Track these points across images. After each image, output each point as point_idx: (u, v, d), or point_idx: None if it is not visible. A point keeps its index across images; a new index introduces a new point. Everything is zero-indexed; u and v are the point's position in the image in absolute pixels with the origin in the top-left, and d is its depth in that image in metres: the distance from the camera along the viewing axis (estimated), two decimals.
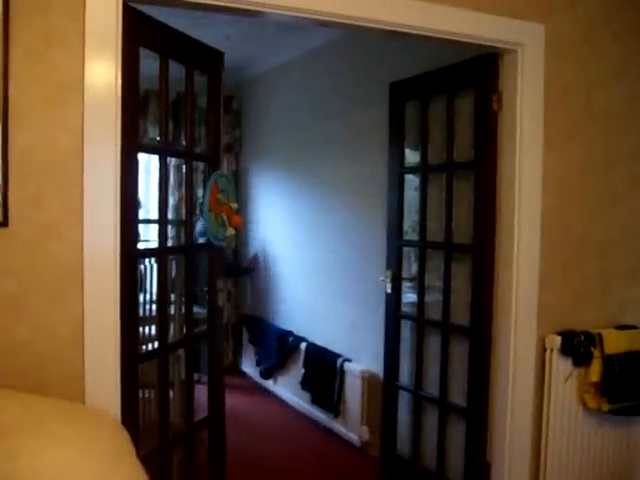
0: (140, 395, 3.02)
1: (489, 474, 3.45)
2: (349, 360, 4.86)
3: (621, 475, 3.62)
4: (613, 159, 3.55)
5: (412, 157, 4.12)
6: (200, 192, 3.17)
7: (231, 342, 6.83)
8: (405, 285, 4.18)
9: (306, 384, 5.29)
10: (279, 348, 5.77)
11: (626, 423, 3.57)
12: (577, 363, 3.37)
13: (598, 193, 3.51)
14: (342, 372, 4.83)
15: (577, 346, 3.34)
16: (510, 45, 3.21)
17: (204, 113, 3.27)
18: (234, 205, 3.23)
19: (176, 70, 2.92)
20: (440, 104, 3.79)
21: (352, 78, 4.92)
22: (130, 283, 2.59)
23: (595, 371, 3.35)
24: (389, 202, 4.16)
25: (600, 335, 3.37)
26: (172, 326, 3.59)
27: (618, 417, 3.50)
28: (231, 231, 3.16)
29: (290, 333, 5.72)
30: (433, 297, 3.94)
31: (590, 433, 3.48)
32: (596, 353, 3.35)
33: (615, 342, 3.40)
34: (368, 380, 4.62)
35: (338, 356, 4.94)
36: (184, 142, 3.21)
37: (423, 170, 3.96)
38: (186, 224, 3.17)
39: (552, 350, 3.34)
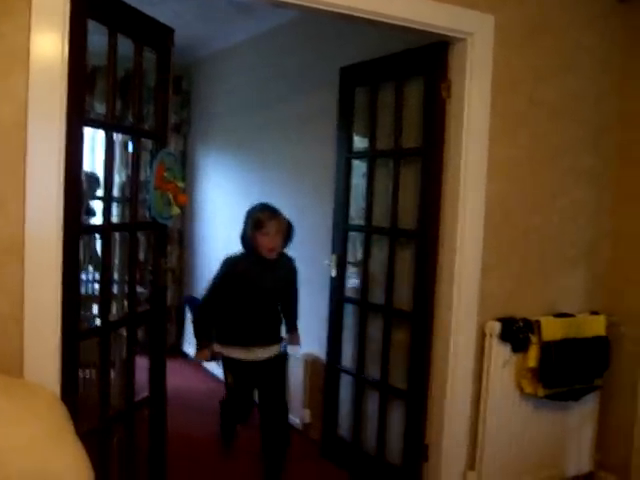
0: (81, 374, 2.98)
1: (427, 456, 3.51)
2: None
3: (554, 456, 3.74)
4: (558, 150, 3.62)
5: (360, 143, 4.13)
6: (147, 170, 3.13)
7: (174, 323, 6.79)
8: (350, 269, 4.20)
9: None
10: None
11: (561, 408, 3.67)
12: (515, 349, 3.45)
13: (542, 183, 3.58)
14: (285, 355, 4.83)
15: (516, 332, 3.41)
16: (460, 34, 3.24)
17: (152, 92, 3.22)
18: (180, 184, 3.20)
19: (125, 48, 2.87)
20: (390, 91, 3.80)
21: (302, 62, 4.91)
22: (72, 259, 2.55)
23: (532, 357, 3.44)
24: (336, 186, 4.18)
25: (538, 322, 3.46)
26: (115, 305, 3.55)
27: (553, 402, 3.60)
28: (176, 210, 3.13)
29: None
30: (377, 282, 3.97)
31: (526, 417, 3.57)
32: (534, 340, 3.44)
33: (552, 329, 3.49)
34: (310, 363, 4.63)
35: (281, 339, 4.94)
36: (132, 120, 3.17)
37: (371, 156, 3.98)
38: (132, 202, 3.14)
39: (491, 336, 3.41)
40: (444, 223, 3.42)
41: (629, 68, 3.78)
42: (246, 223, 3.72)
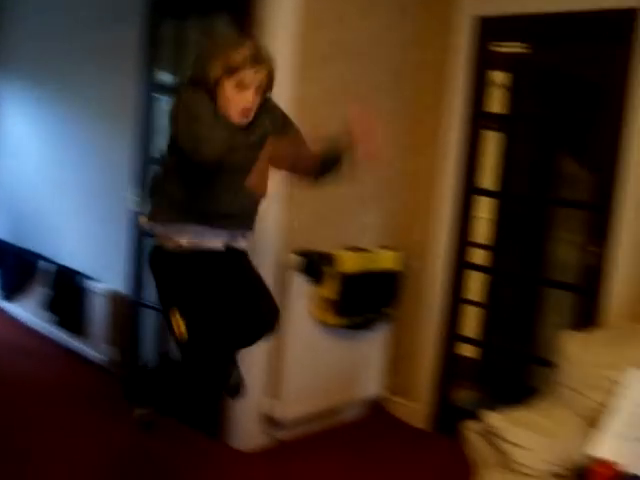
0: None
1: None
2: (95, 279, 4.78)
3: (350, 381, 4.00)
4: (360, 92, 3.80)
5: (166, 77, 4.06)
6: None
7: None
8: None
9: (50, 305, 5.12)
10: (21, 268, 5.52)
11: (356, 336, 3.91)
12: (314, 281, 3.61)
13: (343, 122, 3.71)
14: (87, 292, 4.74)
15: (314, 265, 3.57)
16: None
17: None
18: None
19: None
20: (197, 25, 3.77)
21: None
22: None
23: (330, 289, 3.61)
24: (137, 121, 4.11)
25: (336, 256, 3.62)
26: None
27: (349, 331, 3.83)
28: None
29: (33, 253, 5.48)
30: None
31: (324, 346, 3.77)
32: (332, 272, 3.60)
33: (350, 263, 3.68)
34: (113, 299, 4.57)
35: (84, 276, 4.84)
36: None
37: (174, 90, 3.92)
38: None
39: (291, 269, 3.54)
40: None
41: (426, 19, 3.99)
42: (205, 58, 2.34)
